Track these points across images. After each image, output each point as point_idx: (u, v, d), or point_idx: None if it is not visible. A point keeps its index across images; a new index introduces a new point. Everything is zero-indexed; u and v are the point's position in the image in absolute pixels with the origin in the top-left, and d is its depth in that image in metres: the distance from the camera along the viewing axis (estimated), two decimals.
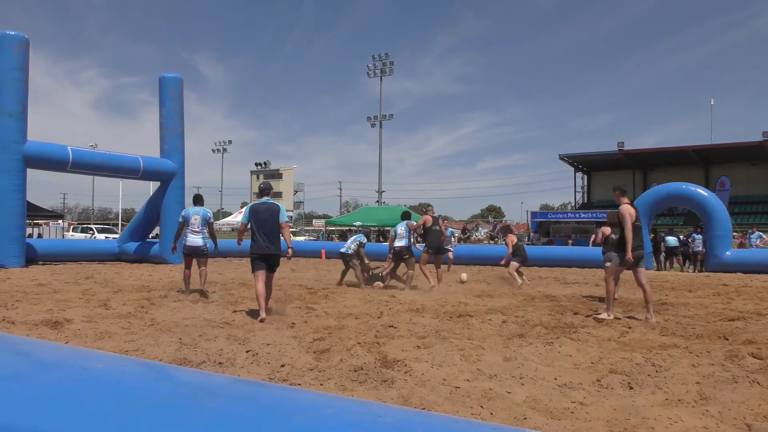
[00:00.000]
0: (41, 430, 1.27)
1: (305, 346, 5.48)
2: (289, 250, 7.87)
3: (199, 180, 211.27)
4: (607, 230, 9.83)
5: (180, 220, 9.85)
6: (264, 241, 7.46)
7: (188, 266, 9.75)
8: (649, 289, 7.52)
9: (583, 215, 44.25)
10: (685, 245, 20.71)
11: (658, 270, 19.45)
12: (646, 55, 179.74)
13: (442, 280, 11.96)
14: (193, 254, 9.72)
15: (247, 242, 8.01)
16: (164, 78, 19.43)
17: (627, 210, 7.37)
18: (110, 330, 6.16)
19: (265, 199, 7.71)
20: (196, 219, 9.71)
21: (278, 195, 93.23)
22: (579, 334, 6.27)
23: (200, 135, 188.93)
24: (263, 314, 7.19)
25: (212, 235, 9.96)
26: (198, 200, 10.29)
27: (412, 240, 11.69)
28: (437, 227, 11.68)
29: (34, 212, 29.24)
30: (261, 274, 7.45)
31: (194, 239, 9.67)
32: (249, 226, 7.65)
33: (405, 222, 11.75)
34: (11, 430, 1.28)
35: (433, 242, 11.52)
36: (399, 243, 11.57)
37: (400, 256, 11.58)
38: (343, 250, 12.39)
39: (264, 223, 7.48)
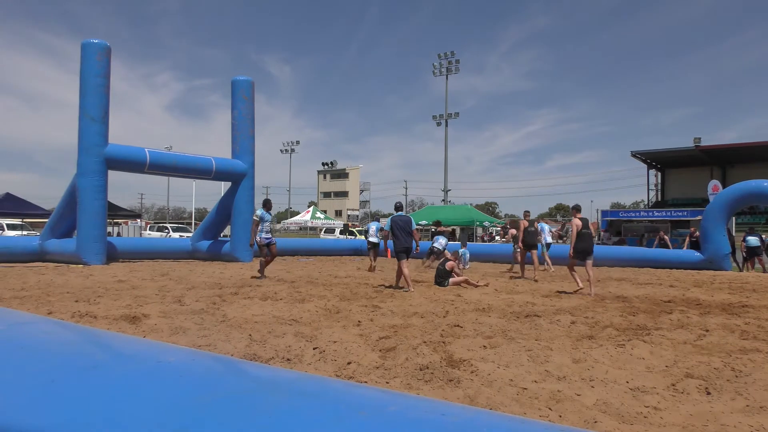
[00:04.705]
0: (117, 419, 1.33)
1: (371, 344, 5.52)
2: (417, 248, 11.11)
3: (268, 180, 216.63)
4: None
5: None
6: (405, 240, 10.86)
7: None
8: (593, 275, 10.58)
9: (656, 214, 42.59)
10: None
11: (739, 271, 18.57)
12: (725, 46, 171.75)
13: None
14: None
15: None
16: (236, 81, 19.91)
17: (575, 222, 10.80)
18: (184, 325, 6.37)
19: (400, 213, 11.29)
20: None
21: (344, 194, 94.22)
22: (652, 336, 6.06)
23: (269, 135, 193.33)
24: (411, 288, 10.55)
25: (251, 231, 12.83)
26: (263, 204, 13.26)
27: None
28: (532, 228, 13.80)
29: (114, 212, 30.54)
30: (405, 262, 10.79)
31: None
32: (390, 230, 11.01)
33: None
34: (91, 417, 1.35)
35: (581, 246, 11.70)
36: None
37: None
38: (372, 239, 16.56)
39: (403, 229, 10.91)
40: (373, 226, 17.57)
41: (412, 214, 53.29)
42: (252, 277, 12.67)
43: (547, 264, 16.94)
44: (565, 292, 10.67)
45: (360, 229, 49.80)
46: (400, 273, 10.86)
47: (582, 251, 10.58)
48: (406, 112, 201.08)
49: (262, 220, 12.53)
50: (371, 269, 15.95)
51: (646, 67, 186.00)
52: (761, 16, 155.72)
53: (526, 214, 15.40)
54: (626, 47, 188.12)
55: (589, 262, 10.71)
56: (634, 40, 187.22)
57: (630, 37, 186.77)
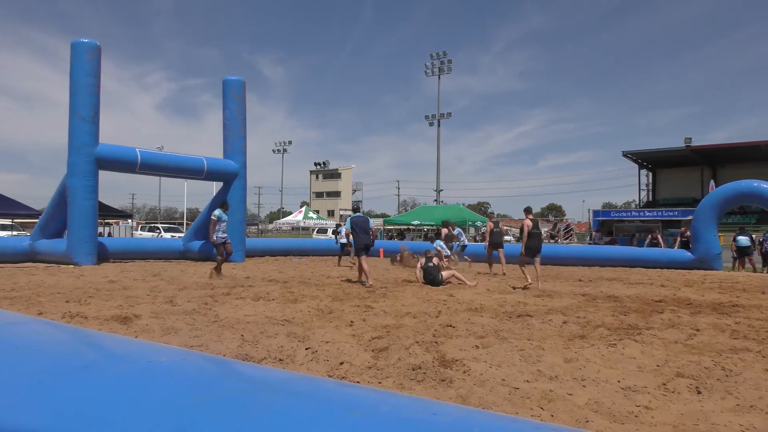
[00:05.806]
0: (110, 419, 1.33)
1: (364, 344, 5.52)
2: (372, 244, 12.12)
3: (260, 180, 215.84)
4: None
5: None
6: (365, 238, 11.88)
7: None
8: (540, 271, 11.69)
9: (647, 213, 42.77)
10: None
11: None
12: (721, 46, 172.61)
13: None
14: None
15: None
16: (227, 81, 19.87)
17: (526, 223, 11.99)
18: (176, 326, 6.35)
19: (358, 214, 12.46)
20: None
21: (337, 194, 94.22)
22: (643, 336, 6.09)
23: (261, 135, 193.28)
24: (371, 282, 11.44)
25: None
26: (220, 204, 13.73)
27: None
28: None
29: (105, 212, 30.41)
30: (365, 258, 11.82)
31: None
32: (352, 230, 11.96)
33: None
34: (82, 418, 1.34)
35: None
36: None
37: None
38: (343, 241, 17.92)
39: (362, 228, 11.95)
40: (345, 230, 18.61)
41: (404, 214, 53.62)
42: (210, 278, 12.45)
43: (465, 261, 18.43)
44: (516, 287, 11.42)
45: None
46: (361, 268, 11.85)
47: (532, 249, 11.64)
48: (400, 112, 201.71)
49: (219, 220, 12.99)
50: (339, 264, 18.20)
51: (641, 68, 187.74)
52: (759, 14, 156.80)
53: (491, 215, 17.16)
54: (622, 47, 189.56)
55: (537, 259, 11.84)
56: (629, 41, 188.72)
57: (626, 37, 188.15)
